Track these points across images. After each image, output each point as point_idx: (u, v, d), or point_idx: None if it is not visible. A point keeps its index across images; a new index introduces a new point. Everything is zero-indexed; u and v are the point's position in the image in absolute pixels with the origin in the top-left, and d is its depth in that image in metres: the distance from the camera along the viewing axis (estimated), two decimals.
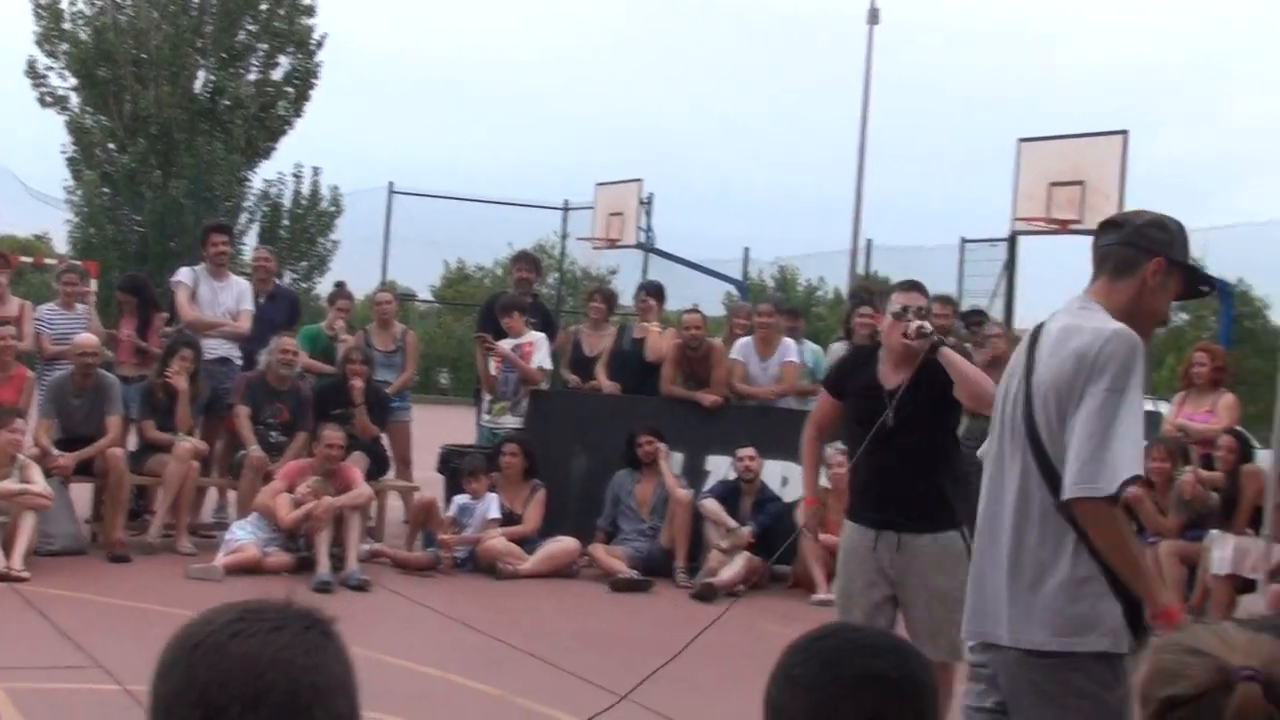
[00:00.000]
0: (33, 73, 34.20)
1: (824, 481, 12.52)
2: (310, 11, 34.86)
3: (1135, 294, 4.50)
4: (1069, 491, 4.22)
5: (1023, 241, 20.83)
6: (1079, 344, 4.34)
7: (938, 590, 6.81)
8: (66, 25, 34.05)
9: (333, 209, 34.79)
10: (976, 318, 14.78)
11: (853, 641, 2.24)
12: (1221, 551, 10.90)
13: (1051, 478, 4.33)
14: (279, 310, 14.30)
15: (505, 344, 13.67)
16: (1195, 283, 4.66)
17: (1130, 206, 14.24)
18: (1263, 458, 11.95)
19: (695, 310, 14.49)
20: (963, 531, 7.00)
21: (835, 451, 12.21)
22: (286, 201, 34.72)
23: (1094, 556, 4.28)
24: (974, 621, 4.60)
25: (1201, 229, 25.73)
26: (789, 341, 13.70)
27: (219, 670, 1.90)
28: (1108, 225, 4.65)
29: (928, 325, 6.81)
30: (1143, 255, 4.50)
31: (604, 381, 14.10)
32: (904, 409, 6.78)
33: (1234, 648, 2.40)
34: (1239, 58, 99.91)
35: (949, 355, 6.77)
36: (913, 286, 7.19)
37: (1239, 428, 12.05)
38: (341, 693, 1.97)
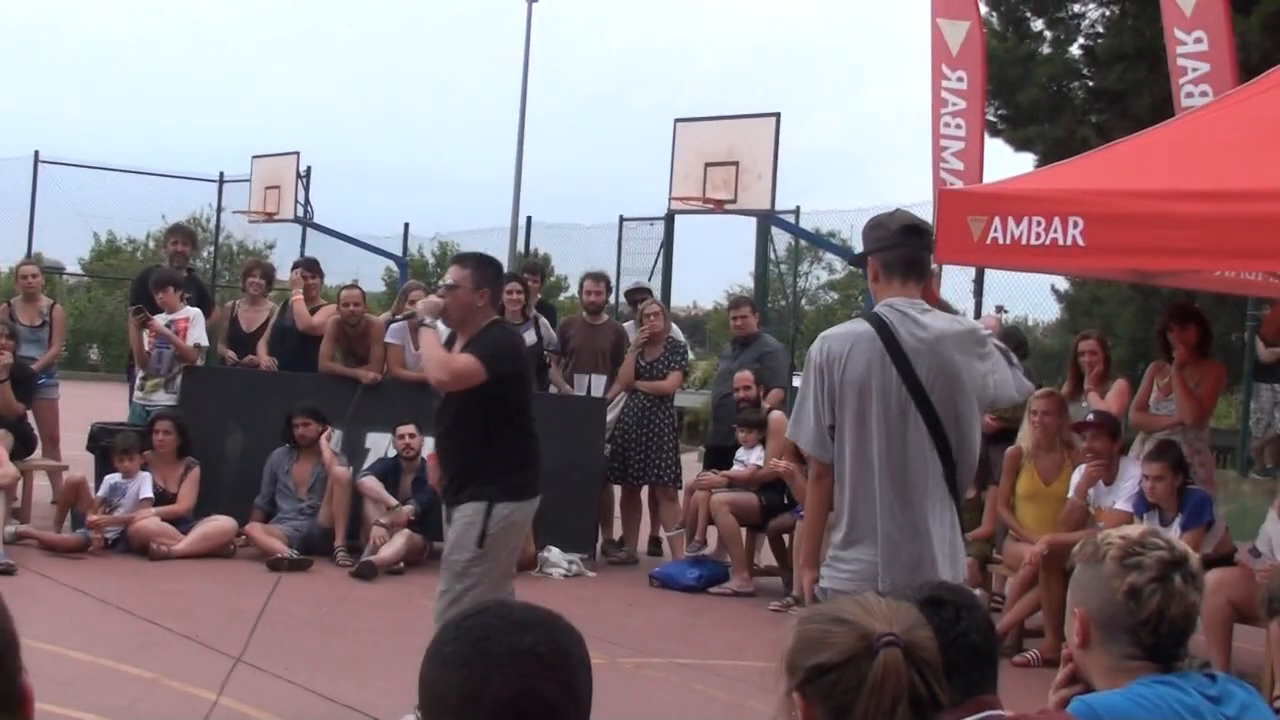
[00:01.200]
0: None
1: None
2: None
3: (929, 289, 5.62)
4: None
5: (679, 220, 21.20)
6: (968, 342, 5.41)
7: (447, 559, 7.16)
8: None
9: None
10: (639, 294, 14.96)
11: (503, 618, 2.26)
12: None
13: (944, 450, 5.36)
14: None
15: (159, 319, 13.34)
16: None
17: (782, 188, 14.67)
18: None
19: (354, 286, 14.34)
20: (490, 508, 7.11)
21: None
22: None
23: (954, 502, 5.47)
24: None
25: (852, 210, 26.54)
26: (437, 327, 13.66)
27: None
28: (912, 231, 5.59)
29: (421, 302, 6.95)
30: (929, 256, 5.77)
31: (263, 357, 13.89)
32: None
33: (875, 615, 2.52)
34: (870, 50, 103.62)
35: (422, 335, 7.08)
36: (457, 260, 7.45)
37: None
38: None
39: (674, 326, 14.56)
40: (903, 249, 5.49)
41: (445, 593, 7.08)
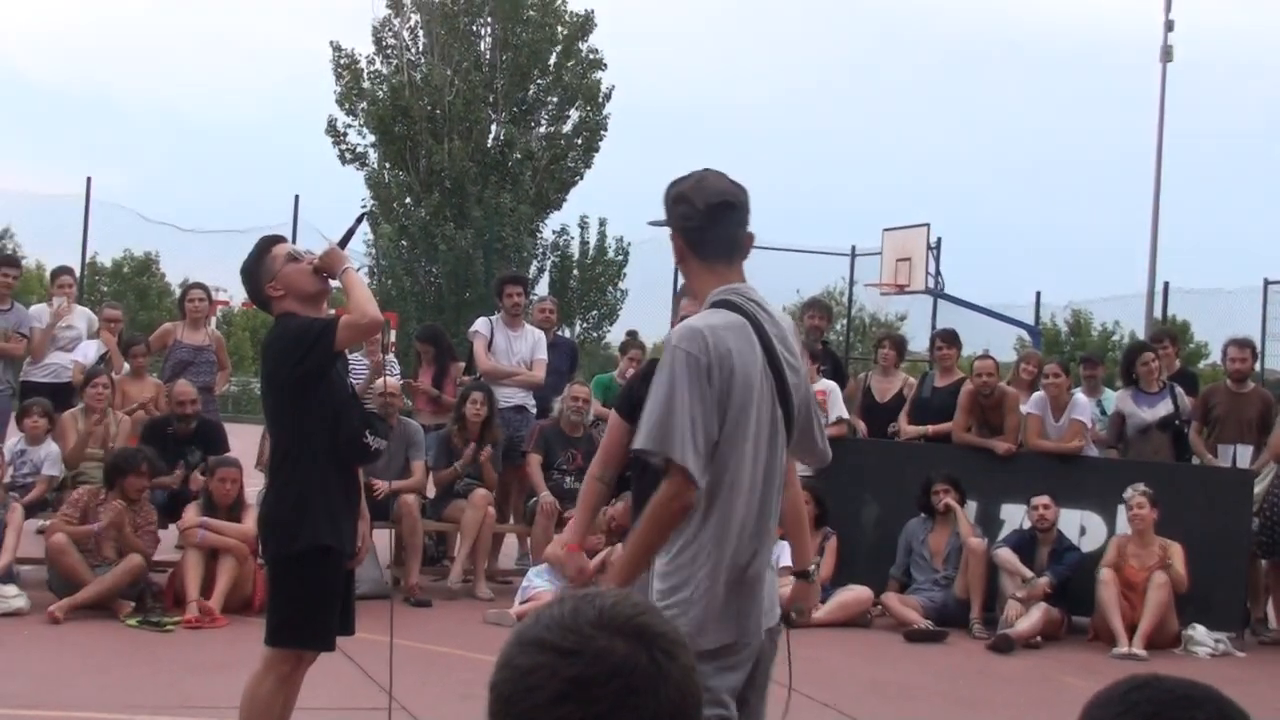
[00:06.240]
0: (333, 131, 35.48)
1: (1124, 528, 12.22)
2: (601, 65, 35.45)
3: None
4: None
5: None
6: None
7: None
8: (365, 84, 35.23)
9: (619, 258, 35.18)
10: None
11: (1171, 692, 2.16)
12: None
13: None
14: (561, 359, 14.56)
15: None
16: None
17: None
18: None
19: (987, 356, 14.23)
20: None
21: (1135, 493, 11.91)
22: (574, 252, 35.24)
23: None
24: (767, 617, 4.70)
25: None
26: (1080, 398, 13.40)
27: None
28: (727, 207, 4.45)
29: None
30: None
31: (906, 428, 13.88)
32: None
33: None
34: None
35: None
36: None
37: None
38: None
39: None
40: (721, 226, 4.45)
41: None
